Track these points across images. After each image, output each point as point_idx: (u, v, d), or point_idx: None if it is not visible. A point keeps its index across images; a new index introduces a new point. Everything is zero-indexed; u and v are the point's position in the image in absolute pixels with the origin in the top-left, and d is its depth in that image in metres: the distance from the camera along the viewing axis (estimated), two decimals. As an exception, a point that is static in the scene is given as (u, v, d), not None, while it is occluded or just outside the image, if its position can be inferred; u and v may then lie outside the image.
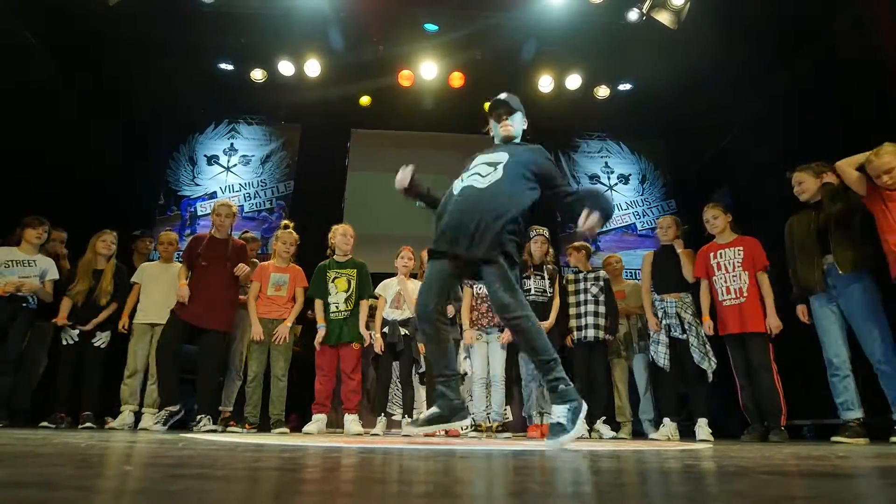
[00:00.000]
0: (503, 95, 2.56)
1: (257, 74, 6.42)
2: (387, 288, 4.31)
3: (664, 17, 5.61)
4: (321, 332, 3.96)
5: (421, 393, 4.44)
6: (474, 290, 4.36)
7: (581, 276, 4.48)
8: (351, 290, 4.07)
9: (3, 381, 3.77)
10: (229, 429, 3.93)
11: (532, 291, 4.28)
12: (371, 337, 4.17)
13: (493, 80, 6.50)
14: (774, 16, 4.85)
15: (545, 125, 6.87)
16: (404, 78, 6.46)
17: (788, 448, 2.26)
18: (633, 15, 5.70)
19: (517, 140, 2.54)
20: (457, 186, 2.39)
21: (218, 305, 3.94)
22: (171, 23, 5.56)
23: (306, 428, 3.79)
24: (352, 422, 3.87)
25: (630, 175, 7.13)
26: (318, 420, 3.83)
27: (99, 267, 4.21)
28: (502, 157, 2.35)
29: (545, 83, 6.47)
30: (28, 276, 3.93)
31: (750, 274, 3.70)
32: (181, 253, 4.47)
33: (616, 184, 7.07)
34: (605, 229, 6.82)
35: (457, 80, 6.50)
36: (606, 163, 7.16)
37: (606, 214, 2.15)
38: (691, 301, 3.91)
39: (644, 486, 0.82)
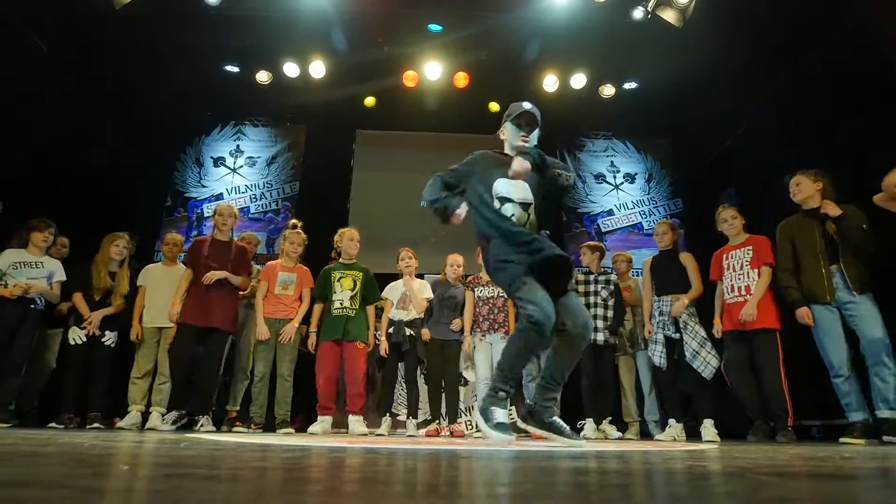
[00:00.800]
0: (529, 106, 2.50)
1: (262, 76, 6.45)
2: (393, 290, 4.34)
3: (669, 16, 5.58)
4: (312, 338, 4.03)
5: (425, 393, 4.44)
6: (476, 293, 4.35)
7: (592, 277, 4.47)
8: (357, 289, 4.08)
9: (12, 382, 3.81)
10: (235, 429, 3.95)
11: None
12: (377, 339, 4.18)
13: (497, 80, 6.51)
14: (780, 14, 4.81)
15: (550, 124, 6.79)
16: (409, 79, 6.46)
17: (794, 449, 2.24)
18: (637, 13, 5.68)
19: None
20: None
21: (221, 307, 3.99)
22: (176, 26, 5.60)
23: (311, 428, 3.81)
24: (356, 422, 3.88)
25: (636, 174, 7.09)
26: (324, 421, 3.84)
27: (111, 269, 4.23)
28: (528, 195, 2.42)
29: (550, 82, 6.45)
30: (36, 278, 3.97)
31: (758, 272, 3.68)
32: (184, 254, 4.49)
33: (622, 183, 7.04)
34: (611, 228, 6.80)
35: (461, 80, 6.49)
36: (612, 162, 7.13)
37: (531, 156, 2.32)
38: (690, 302, 3.90)
39: (631, 487, 0.81)
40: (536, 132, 2.52)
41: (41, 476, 0.75)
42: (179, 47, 5.82)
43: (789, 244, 3.47)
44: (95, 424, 3.87)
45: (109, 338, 4.13)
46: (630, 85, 6.60)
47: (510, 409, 4.49)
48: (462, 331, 4.28)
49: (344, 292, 4.07)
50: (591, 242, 4.73)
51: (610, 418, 4.35)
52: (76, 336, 4.04)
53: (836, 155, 3.53)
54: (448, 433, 4.13)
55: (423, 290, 4.33)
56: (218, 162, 6.85)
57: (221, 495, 0.60)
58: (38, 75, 5.10)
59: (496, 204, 2.39)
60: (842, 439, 3.13)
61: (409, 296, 4.26)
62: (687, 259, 4.04)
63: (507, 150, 2.57)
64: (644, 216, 6.83)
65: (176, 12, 5.54)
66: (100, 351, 4.08)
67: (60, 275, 4.11)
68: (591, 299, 4.38)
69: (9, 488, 0.61)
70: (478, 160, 2.56)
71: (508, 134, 2.55)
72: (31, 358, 4.02)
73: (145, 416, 4.05)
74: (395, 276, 4.46)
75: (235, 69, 6.38)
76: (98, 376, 4.06)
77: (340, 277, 4.10)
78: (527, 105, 2.51)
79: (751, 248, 3.75)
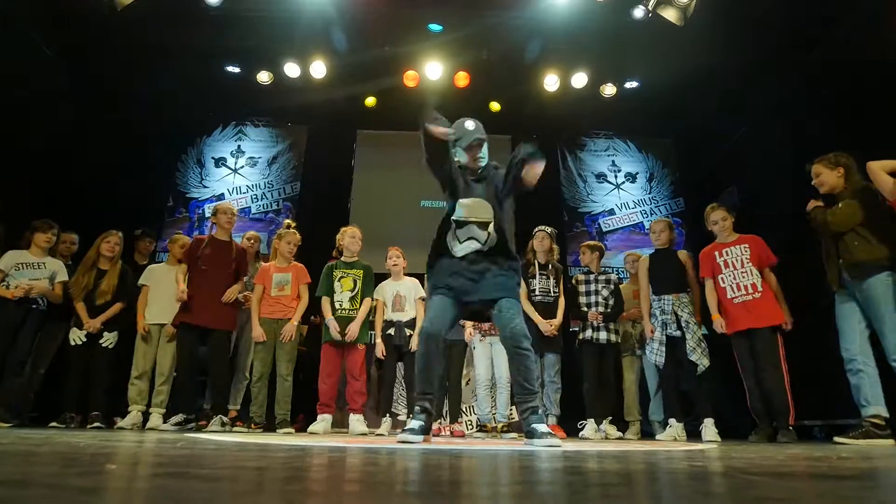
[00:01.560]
0: (472, 126, 2.61)
1: (263, 77, 6.46)
2: (383, 291, 4.27)
3: (670, 14, 5.56)
4: (333, 325, 3.95)
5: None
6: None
7: (592, 277, 4.46)
8: (357, 290, 4.08)
9: (14, 382, 3.83)
10: (235, 429, 3.96)
11: (537, 292, 4.25)
12: (372, 338, 4.17)
13: (498, 80, 6.51)
14: (782, 13, 4.78)
15: (551, 124, 6.87)
16: (409, 78, 6.46)
17: (793, 449, 2.23)
18: (638, 12, 5.66)
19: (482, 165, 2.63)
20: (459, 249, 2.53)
21: (223, 306, 4.01)
22: (178, 26, 5.61)
23: (311, 428, 3.81)
24: (357, 421, 3.88)
25: (637, 174, 7.07)
26: (324, 420, 3.84)
27: (102, 267, 4.25)
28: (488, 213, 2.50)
29: (551, 82, 6.44)
30: (38, 279, 3.99)
31: (759, 270, 3.67)
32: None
33: (623, 182, 7.02)
34: (612, 228, 6.79)
35: (462, 79, 6.48)
36: (613, 161, 7.11)
37: (540, 158, 2.39)
38: (689, 300, 3.90)
39: (613, 486, 0.81)
40: (485, 146, 2.63)
41: (28, 475, 0.75)
42: (180, 48, 5.83)
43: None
44: (96, 424, 3.88)
45: (108, 339, 4.14)
46: (631, 84, 6.58)
47: (511, 409, 4.49)
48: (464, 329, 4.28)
49: (344, 293, 4.07)
50: (591, 242, 4.72)
51: (611, 418, 4.34)
52: (77, 336, 4.06)
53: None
54: (448, 433, 4.13)
55: (416, 290, 4.29)
56: (219, 162, 6.86)
57: (200, 494, 0.60)
58: (40, 76, 5.12)
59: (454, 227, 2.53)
60: (837, 439, 3.07)
61: (402, 296, 4.23)
62: (685, 258, 4.03)
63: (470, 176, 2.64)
64: (645, 216, 6.81)
65: (177, 13, 5.55)
66: (99, 351, 4.10)
67: (63, 275, 4.13)
68: (592, 298, 4.38)
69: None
70: (456, 174, 2.60)
71: (461, 158, 2.64)
72: (34, 359, 4.04)
73: (147, 416, 4.06)
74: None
75: (236, 69, 6.39)
76: (98, 376, 4.07)
77: (341, 277, 4.10)
78: (470, 126, 2.61)
79: (746, 245, 3.73)
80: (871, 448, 2.49)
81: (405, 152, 7.02)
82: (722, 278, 3.79)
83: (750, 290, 3.66)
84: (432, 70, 6.34)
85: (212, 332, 3.99)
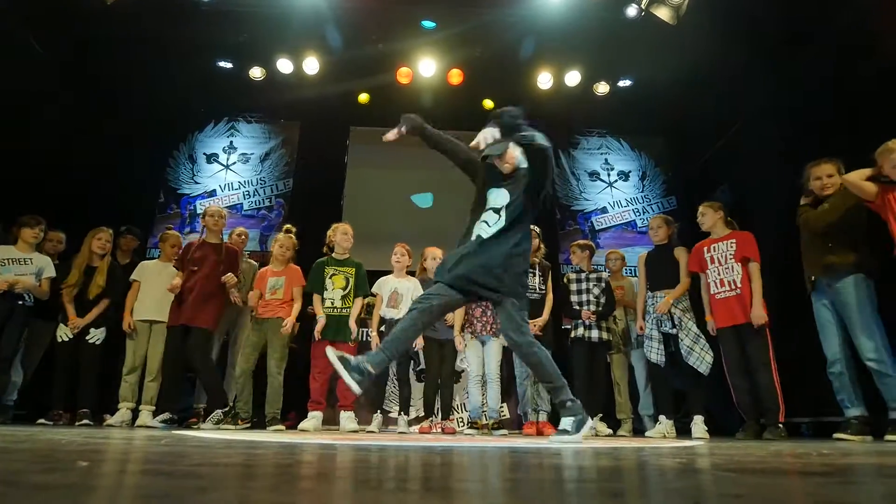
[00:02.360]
0: (486, 138, 2.51)
1: (256, 72, 6.42)
2: (383, 286, 4.29)
3: (663, 13, 5.57)
4: (321, 322, 3.95)
5: (417, 390, 4.44)
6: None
7: (583, 275, 4.46)
8: (349, 288, 4.08)
9: (0, 379, 3.79)
10: (222, 426, 3.94)
11: (522, 291, 4.25)
12: (368, 336, 4.16)
13: (492, 78, 6.50)
14: (774, 12, 4.80)
15: (544, 122, 6.82)
16: (403, 75, 6.44)
17: (777, 445, 2.24)
18: (631, 11, 5.66)
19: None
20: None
21: (205, 306, 4.01)
22: (169, 21, 5.57)
23: (302, 425, 3.80)
24: (347, 419, 3.87)
25: (630, 172, 7.09)
26: (314, 417, 3.83)
27: (93, 264, 4.24)
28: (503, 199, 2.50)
29: (544, 80, 6.44)
30: (24, 274, 3.96)
31: (742, 266, 3.68)
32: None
33: (616, 181, 7.03)
34: (604, 226, 6.80)
35: (455, 77, 6.47)
36: (606, 159, 7.12)
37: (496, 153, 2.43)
38: (684, 297, 3.90)
39: (583, 482, 0.81)
40: (508, 152, 2.57)
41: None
42: (172, 43, 5.79)
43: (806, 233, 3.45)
44: (84, 421, 3.86)
45: (95, 335, 4.12)
46: (624, 83, 6.59)
47: (502, 406, 4.51)
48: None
49: (335, 291, 4.05)
50: (581, 241, 4.72)
51: (601, 415, 4.35)
52: (63, 333, 4.03)
53: (830, 154, 3.52)
54: (439, 430, 4.13)
55: (416, 289, 4.29)
56: (211, 158, 6.82)
57: (159, 490, 0.60)
58: (29, 71, 5.07)
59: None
60: (836, 435, 3.12)
61: (400, 294, 4.23)
62: (681, 254, 4.04)
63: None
64: (638, 214, 6.83)
65: (168, 8, 5.50)
66: (87, 348, 4.08)
67: (50, 271, 4.10)
68: (584, 297, 4.38)
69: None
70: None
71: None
72: (22, 354, 4.01)
73: (136, 413, 4.05)
74: (386, 272, 4.44)
75: (229, 65, 6.35)
76: (87, 373, 4.05)
77: (333, 274, 4.09)
78: (486, 138, 2.52)
79: (734, 241, 3.75)
80: (862, 445, 2.51)
81: (398, 149, 6.99)
82: (708, 273, 3.82)
83: (731, 287, 3.68)
84: (426, 67, 6.32)
85: (191, 330, 3.98)
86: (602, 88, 6.58)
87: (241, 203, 6.60)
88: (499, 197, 2.52)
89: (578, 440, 2.36)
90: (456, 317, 4.22)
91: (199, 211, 6.50)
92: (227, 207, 5.93)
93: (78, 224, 4.60)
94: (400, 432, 3.95)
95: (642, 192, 6.98)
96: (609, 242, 6.57)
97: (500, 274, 2.40)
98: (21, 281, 3.90)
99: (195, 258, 4.08)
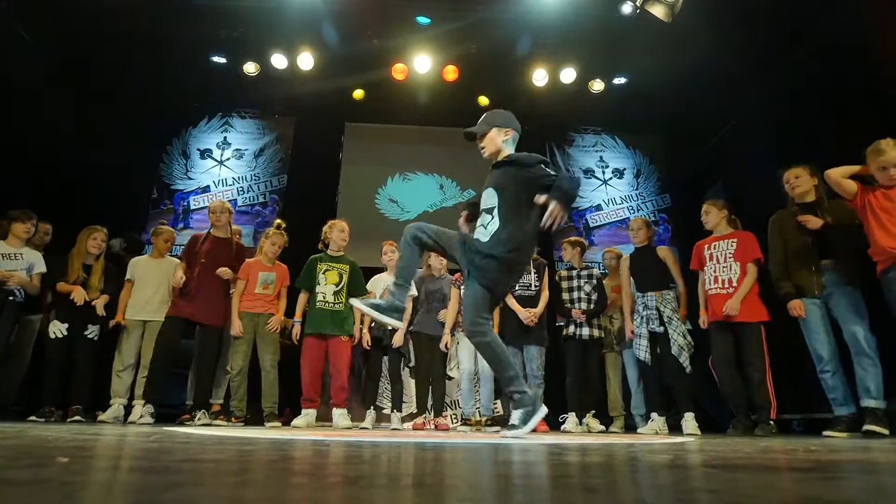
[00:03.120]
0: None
1: (250, 68, 6.38)
2: (377, 283, 4.30)
3: (658, 11, 5.56)
4: (297, 328, 4.02)
5: (410, 387, 4.44)
6: (462, 291, 4.33)
7: (574, 273, 4.46)
8: (342, 284, 4.07)
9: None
10: (216, 422, 3.94)
11: (517, 287, 4.24)
12: (361, 332, 4.16)
13: (487, 74, 6.49)
14: (770, 10, 4.80)
15: (540, 119, 6.85)
16: (398, 71, 6.42)
17: (767, 442, 2.25)
18: (626, 8, 5.66)
19: (504, 155, 2.56)
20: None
21: (217, 302, 4.02)
22: (163, 16, 5.53)
23: (295, 422, 3.80)
24: (340, 416, 3.88)
25: (625, 169, 7.10)
26: (307, 414, 3.83)
27: (87, 263, 4.21)
28: (493, 199, 2.46)
29: (540, 77, 6.43)
30: (15, 270, 3.93)
31: (741, 265, 3.69)
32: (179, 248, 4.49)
33: (611, 178, 7.04)
34: (599, 224, 6.81)
35: (451, 73, 6.45)
36: (601, 157, 7.13)
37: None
38: (672, 297, 3.93)
39: (565, 478, 0.81)
40: (492, 132, 2.58)
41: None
42: (166, 38, 5.75)
43: (780, 238, 3.47)
44: (77, 417, 3.85)
45: (92, 331, 4.10)
46: (619, 80, 6.59)
47: (495, 403, 4.52)
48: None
49: (328, 286, 4.05)
50: (572, 238, 4.73)
51: (594, 412, 4.37)
52: (57, 329, 4.01)
53: (825, 152, 3.53)
54: (433, 426, 4.14)
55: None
56: (205, 154, 6.79)
57: (131, 487, 0.59)
58: (22, 66, 5.03)
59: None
60: (825, 433, 3.15)
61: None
62: (666, 253, 4.06)
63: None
64: (632, 211, 6.84)
65: (162, 3, 5.46)
66: (82, 344, 4.05)
67: (41, 266, 4.07)
68: (575, 294, 4.39)
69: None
70: None
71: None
72: (11, 350, 3.98)
73: (128, 409, 4.03)
74: (380, 269, 4.45)
75: (223, 60, 6.31)
76: (81, 369, 4.03)
77: (326, 270, 4.09)
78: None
79: (735, 240, 3.75)
80: (850, 441, 2.52)
81: (393, 145, 7.01)
82: (705, 270, 3.83)
83: (726, 285, 3.68)
84: (421, 63, 6.31)
85: (202, 327, 3.96)
86: (597, 86, 6.58)
87: (235, 199, 6.58)
88: (488, 198, 2.50)
89: (525, 433, 2.28)
90: (448, 316, 4.22)
91: (192, 207, 6.47)
92: (222, 203, 5.90)
93: (69, 220, 4.57)
94: (393, 429, 3.95)
95: (637, 189, 6.99)
96: (603, 240, 6.59)
97: (481, 262, 2.38)
98: (14, 276, 3.87)
99: (202, 251, 4.06)
